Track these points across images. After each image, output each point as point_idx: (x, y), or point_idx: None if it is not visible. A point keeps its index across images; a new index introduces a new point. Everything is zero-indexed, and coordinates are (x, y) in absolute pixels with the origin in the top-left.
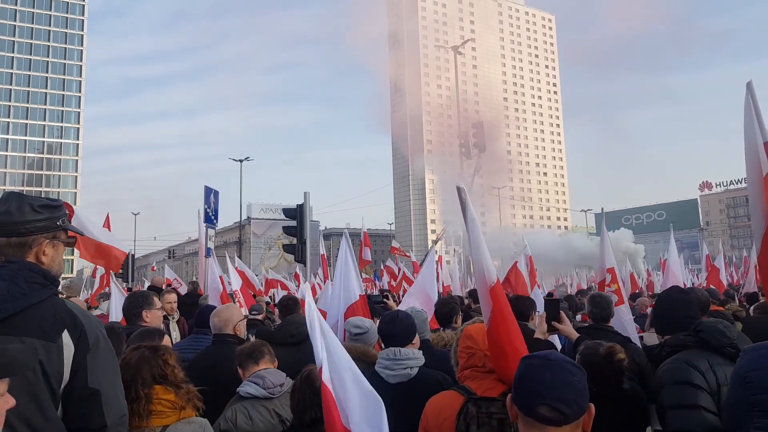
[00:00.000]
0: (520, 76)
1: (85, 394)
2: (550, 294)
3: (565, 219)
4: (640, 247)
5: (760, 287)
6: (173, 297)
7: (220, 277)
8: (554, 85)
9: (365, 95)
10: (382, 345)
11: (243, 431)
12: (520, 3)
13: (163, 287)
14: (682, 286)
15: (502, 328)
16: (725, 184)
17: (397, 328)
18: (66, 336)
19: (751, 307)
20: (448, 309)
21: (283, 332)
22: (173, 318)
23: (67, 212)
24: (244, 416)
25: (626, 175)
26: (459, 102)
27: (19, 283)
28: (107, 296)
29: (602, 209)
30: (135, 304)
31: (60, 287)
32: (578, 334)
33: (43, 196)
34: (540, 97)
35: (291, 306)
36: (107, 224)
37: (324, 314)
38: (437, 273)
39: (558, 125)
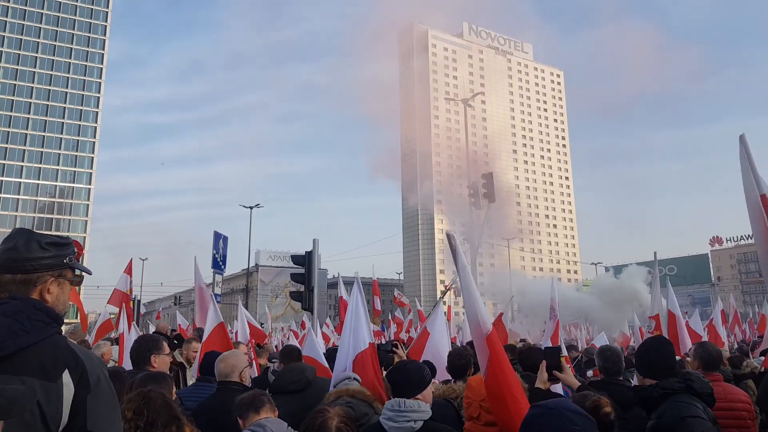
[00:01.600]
0: (529, 130)
1: None
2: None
3: (575, 272)
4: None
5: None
6: (198, 346)
7: (221, 323)
8: (563, 138)
9: (376, 145)
10: (390, 396)
11: None
12: (530, 59)
13: (168, 333)
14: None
15: (500, 377)
16: (736, 239)
17: (402, 377)
18: (66, 376)
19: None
20: (463, 362)
21: (285, 380)
22: (189, 367)
23: (75, 250)
24: None
25: (636, 228)
26: (469, 153)
27: (21, 320)
28: (113, 341)
29: (655, 254)
30: (144, 348)
31: (63, 332)
32: (579, 383)
33: None
34: (549, 150)
35: (293, 354)
36: (129, 270)
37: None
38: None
39: (567, 178)
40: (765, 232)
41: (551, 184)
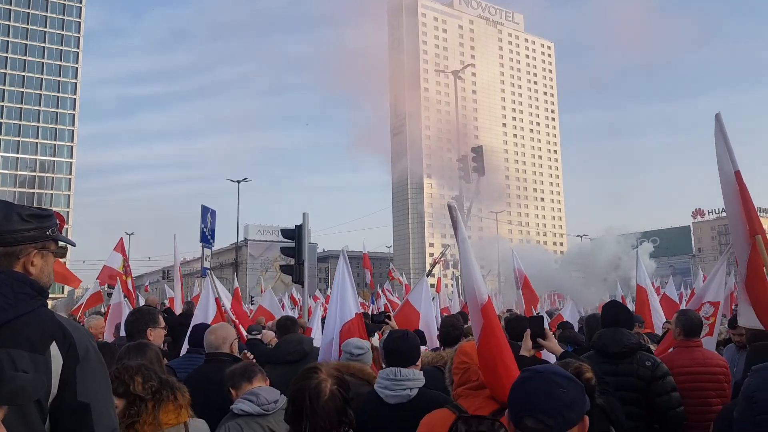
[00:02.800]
0: (519, 102)
1: (74, 408)
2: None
3: (562, 244)
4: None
5: (735, 310)
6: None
7: (216, 298)
8: (552, 111)
9: (366, 120)
10: (383, 365)
11: None
12: (520, 30)
13: (158, 306)
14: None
15: (493, 346)
16: (717, 212)
17: (406, 346)
18: (54, 348)
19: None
20: (457, 332)
21: (282, 350)
22: None
23: (57, 222)
24: None
25: (622, 201)
26: (459, 126)
27: (6, 294)
28: (99, 313)
29: (640, 242)
30: (141, 321)
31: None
32: (562, 350)
33: None
34: (538, 123)
35: (289, 325)
36: (120, 248)
37: (309, 331)
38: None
39: (556, 151)
40: (738, 208)
41: (540, 157)
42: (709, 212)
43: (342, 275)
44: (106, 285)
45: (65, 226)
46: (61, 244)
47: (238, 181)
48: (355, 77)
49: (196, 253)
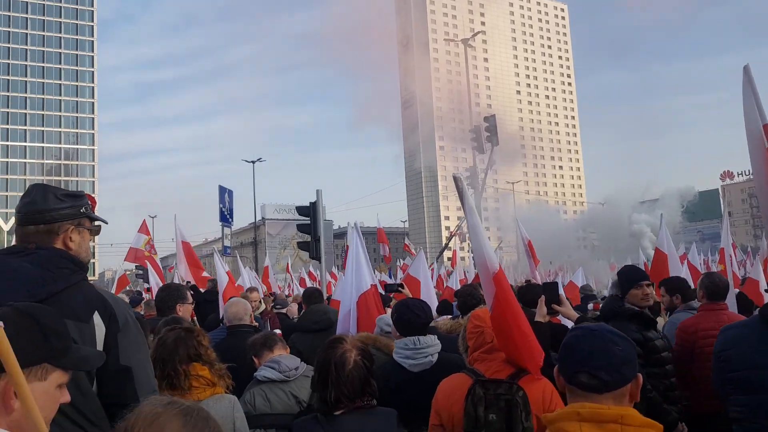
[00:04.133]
0: (533, 69)
1: (117, 372)
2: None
3: (583, 213)
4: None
5: None
6: (257, 296)
7: (228, 272)
8: (568, 76)
9: (376, 93)
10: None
11: (261, 413)
12: None
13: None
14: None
15: (507, 313)
16: (747, 173)
17: (426, 316)
18: (97, 317)
19: None
20: (474, 301)
21: (308, 319)
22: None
23: (89, 202)
24: (262, 398)
25: (645, 166)
26: (471, 96)
27: (50, 269)
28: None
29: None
30: (169, 297)
31: None
32: (578, 315)
33: None
34: (554, 89)
35: (315, 296)
36: (144, 228)
37: (337, 304)
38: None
39: (573, 117)
40: (764, 163)
41: (556, 124)
42: (738, 174)
43: (356, 248)
44: (134, 267)
45: (95, 205)
46: (95, 223)
47: (253, 162)
48: (363, 50)
49: (217, 233)
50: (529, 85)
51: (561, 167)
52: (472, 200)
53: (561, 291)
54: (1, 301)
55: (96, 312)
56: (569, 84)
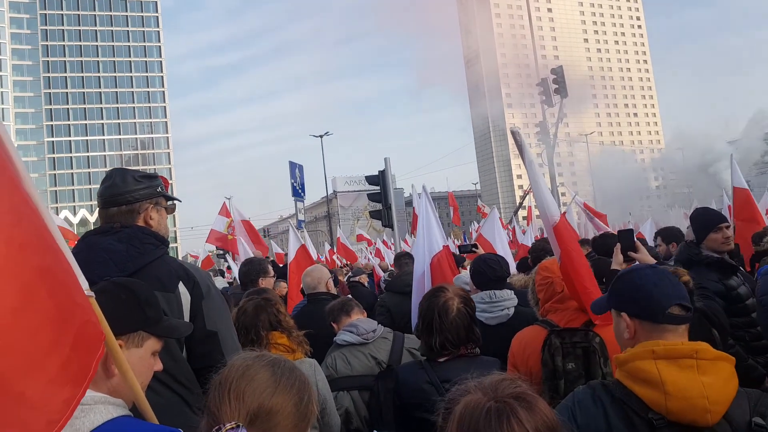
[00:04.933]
0: (600, 14)
1: (204, 336)
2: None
3: (662, 163)
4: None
5: None
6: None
7: (303, 245)
8: (638, 18)
9: (437, 56)
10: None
11: (343, 375)
12: None
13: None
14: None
15: (568, 264)
16: None
17: (501, 270)
18: (181, 286)
19: None
20: (547, 255)
21: (400, 282)
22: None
23: (162, 183)
24: (343, 361)
25: (724, 108)
26: (536, 48)
27: (135, 245)
28: (216, 272)
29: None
30: (253, 271)
31: None
32: (655, 261)
33: None
34: (623, 33)
35: (406, 261)
36: (224, 211)
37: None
38: (527, 227)
39: (646, 61)
40: None
41: (628, 70)
42: None
43: (426, 211)
44: (215, 248)
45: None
46: (170, 202)
47: (321, 136)
48: (421, 13)
49: (291, 209)
50: (596, 32)
51: (636, 114)
52: (532, 153)
53: (644, 236)
54: (96, 276)
55: (180, 282)
56: (639, 27)
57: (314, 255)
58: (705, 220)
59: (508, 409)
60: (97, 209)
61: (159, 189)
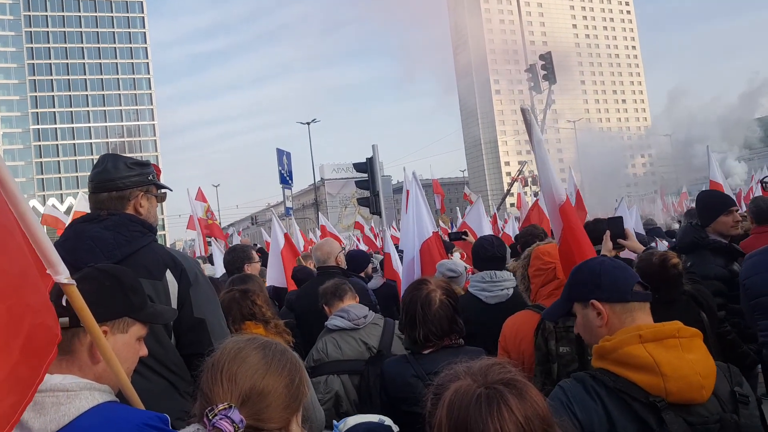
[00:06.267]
0: (588, 0)
1: (192, 323)
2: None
3: (649, 146)
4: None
5: None
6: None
7: (286, 234)
8: (627, 3)
9: (426, 42)
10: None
11: (334, 359)
12: None
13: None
14: None
15: (573, 244)
16: None
17: (501, 251)
18: (169, 274)
19: None
20: (536, 240)
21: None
22: None
23: (154, 170)
24: (333, 346)
25: (714, 94)
26: (524, 34)
27: (123, 233)
28: (204, 259)
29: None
30: (237, 258)
31: None
32: (644, 248)
33: None
34: (612, 20)
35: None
36: (200, 197)
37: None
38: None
39: (634, 47)
40: None
41: (617, 56)
42: None
43: (415, 196)
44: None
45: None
46: (161, 190)
47: (308, 123)
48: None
49: (279, 197)
50: (585, 18)
51: (624, 101)
52: (540, 132)
53: (626, 225)
54: (82, 264)
55: (168, 269)
56: (628, 12)
57: (301, 243)
58: (715, 202)
59: (498, 396)
60: (87, 194)
61: (150, 177)
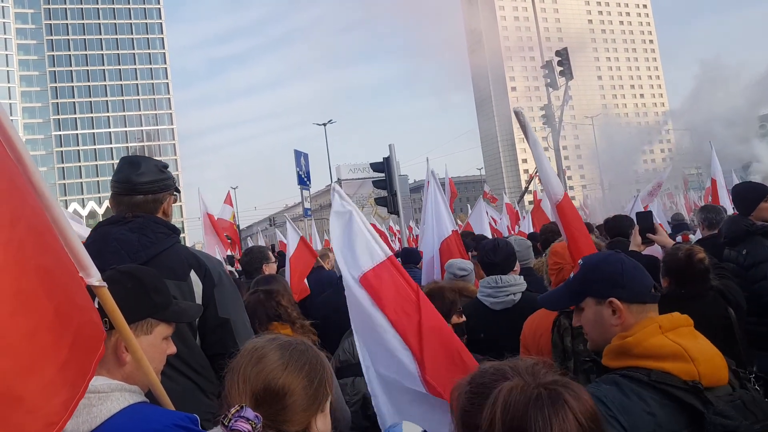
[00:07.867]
0: None
1: (217, 323)
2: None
3: (668, 141)
4: None
5: None
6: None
7: (302, 237)
8: None
9: (441, 41)
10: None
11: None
12: None
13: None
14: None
15: (570, 241)
16: None
17: (498, 256)
18: (193, 275)
19: None
20: (556, 238)
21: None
22: None
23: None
24: None
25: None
26: (540, 30)
27: (148, 234)
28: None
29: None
30: (255, 259)
31: None
32: (673, 242)
33: None
34: (629, 14)
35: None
36: (228, 200)
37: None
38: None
39: (651, 41)
40: None
41: (634, 50)
42: None
43: (434, 195)
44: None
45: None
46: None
47: (324, 124)
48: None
49: (297, 197)
50: (600, 12)
51: (642, 95)
52: (536, 133)
53: (655, 220)
54: (108, 267)
55: (192, 270)
56: (645, 6)
57: (320, 244)
58: (753, 191)
59: (560, 397)
60: (114, 194)
61: (174, 181)
